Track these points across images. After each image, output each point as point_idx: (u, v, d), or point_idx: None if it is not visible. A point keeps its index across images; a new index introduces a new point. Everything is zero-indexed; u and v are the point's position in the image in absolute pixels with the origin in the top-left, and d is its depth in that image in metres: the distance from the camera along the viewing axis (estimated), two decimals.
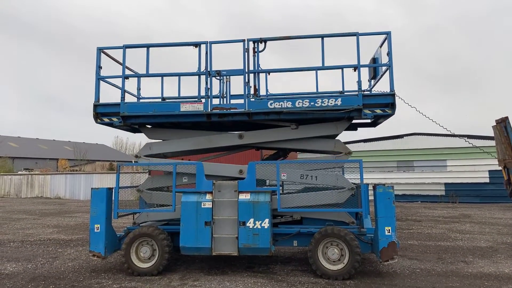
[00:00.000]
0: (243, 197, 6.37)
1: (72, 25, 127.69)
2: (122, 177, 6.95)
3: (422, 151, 21.62)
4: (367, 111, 6.34)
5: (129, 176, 7.82)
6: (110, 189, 6.74)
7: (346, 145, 7.09)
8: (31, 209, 20.16)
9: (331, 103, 6.33)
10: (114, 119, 6.95)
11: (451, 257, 7.58)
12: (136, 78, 8.02)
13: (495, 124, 16.69)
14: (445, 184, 20.92)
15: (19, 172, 35.50)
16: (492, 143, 17.35)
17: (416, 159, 21.74)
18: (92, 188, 6.69)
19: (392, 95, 6.31)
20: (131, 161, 52.14)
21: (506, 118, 16.25)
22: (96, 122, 6.99)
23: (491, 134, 17.31)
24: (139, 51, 7.11)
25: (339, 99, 6.34)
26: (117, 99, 7.00)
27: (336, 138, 7.13)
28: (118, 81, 7.14)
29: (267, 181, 7.34)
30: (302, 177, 6.60)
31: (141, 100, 7.89)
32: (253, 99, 6.60)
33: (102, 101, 7.03)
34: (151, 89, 8.89)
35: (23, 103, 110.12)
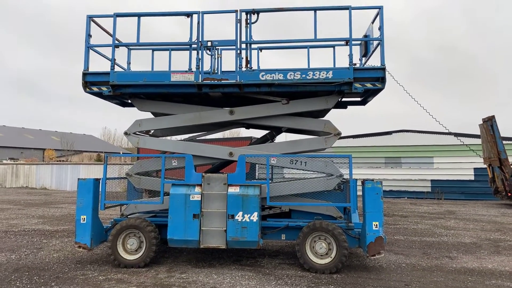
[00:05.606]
0: (232, 190, 6.34)
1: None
2: (110, 168, 6.87)
3: (409, 148, 21.90)
4: (357, 85, 6.33)
5: (116, 167, 7.71)
6: (97, 180, 6.65)
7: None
8: (15, 199, 19.82)
9: (322, 76, 6.30)
10: (104, 88, 6.79)
11: (436, 253, 7.70)
12: (126, 54, 7.89)
13: (481, 122, 17.00)
14: (431, 181, 21.23)
15: (4, 162, 34.84)
16: (479, 141, 17.68)
17: (403, 155, 22.02)
18: (78, 179, 6.58)
19: (382, 69, 6.32)
20: (119, 152, 51.61)
21: (493, 117, 16.52)
22: (85, 91, 6.83)
23: (478, 132, 17.68)
24: (129, 28, 6.93)
25: (330, 72, 6.32)
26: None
27: (327, 119, 7.10)
28: (108, 52, 6.97)
29: (257, 174, 7.31)
30: (291, 162, 6.64)
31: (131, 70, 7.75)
32: (244, 69, 6.53)
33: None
34: (141, 65, 8.64)
35: None
